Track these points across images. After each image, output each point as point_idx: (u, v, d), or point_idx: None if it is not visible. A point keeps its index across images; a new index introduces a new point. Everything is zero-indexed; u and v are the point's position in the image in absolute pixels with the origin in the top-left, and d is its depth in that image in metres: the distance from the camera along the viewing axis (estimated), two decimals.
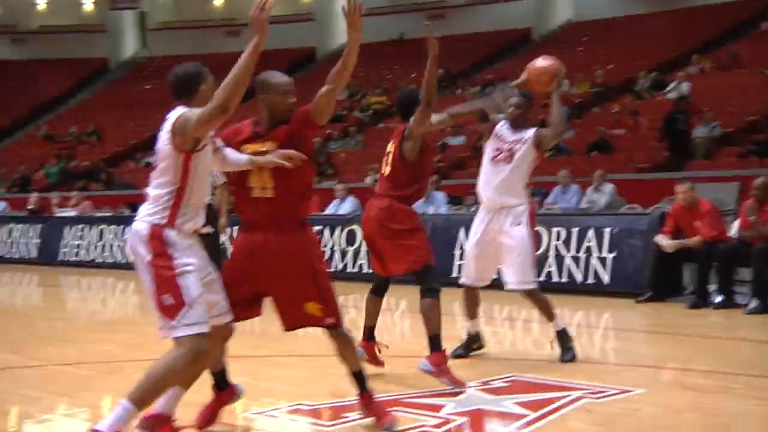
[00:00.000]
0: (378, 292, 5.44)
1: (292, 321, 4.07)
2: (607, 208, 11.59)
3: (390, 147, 5.25)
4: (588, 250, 9.27)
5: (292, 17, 29.39)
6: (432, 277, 5.05)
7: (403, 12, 28.66)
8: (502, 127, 5.78)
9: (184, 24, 31.57)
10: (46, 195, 18.01)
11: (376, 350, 5.38)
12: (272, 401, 4.72)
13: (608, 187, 12.05)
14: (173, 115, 3.64)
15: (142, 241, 3.69)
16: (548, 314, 5.79)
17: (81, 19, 32.18)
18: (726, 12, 22.18)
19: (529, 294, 5.78)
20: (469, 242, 5.89)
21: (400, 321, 8.21)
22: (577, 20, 25.99)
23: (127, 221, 14.41)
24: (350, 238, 11.32)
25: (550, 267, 9.41)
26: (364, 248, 10.74)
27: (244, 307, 4.03)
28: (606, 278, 9.13)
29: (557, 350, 5.77)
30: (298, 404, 4.64)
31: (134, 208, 16.20)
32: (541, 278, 8.91)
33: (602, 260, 9.18)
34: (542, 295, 5.82)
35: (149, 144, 24.52)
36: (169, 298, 3.63)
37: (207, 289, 3.76)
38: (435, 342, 4.97)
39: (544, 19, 26.25)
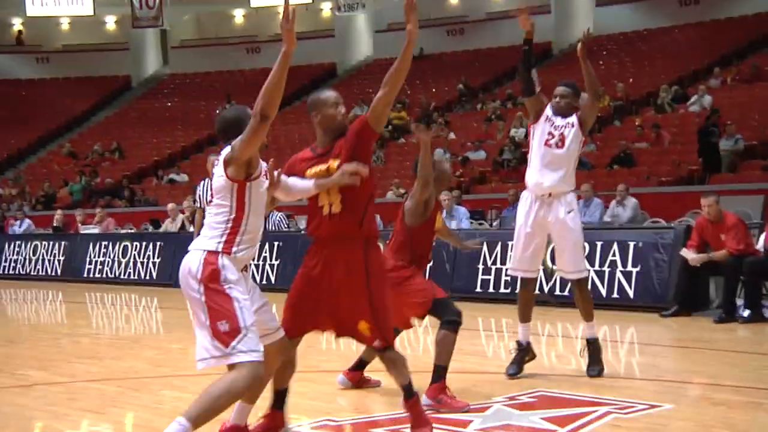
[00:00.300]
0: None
1: (343, 331, 4.22)
2: (629, 222, 11.52)
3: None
4: (612, 264, 9.22)
5: (313, 33, 29.59)
6: (448, 308, 5.01)
7: (422, 27, 28.55)
8: (551, 112, 5.71)
9: (205, 42, 31.91)
10: (70, 212, 18.19)
11: (361, 378, 5.38)
12: (297, 417, 4.71)
13: (631, 201, 11.99)
14: (223, 152, 3.81)
15: (195, 267, 3.76)
16: (590, 311, 5.67)
17: (104, 37, 32.63)
18: (747, 25, 22.11)
19: (581, 283, 5.69)
20: (518, 230, 5.73)
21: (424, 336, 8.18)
22: (597, 34, 25.95)
23: (150, 238, 14.68)
24: None
25: None
26: None
27: (309, 320, 4.17)
28: (631, 292, 9.07)
29: (584, 364, 5.71)
30: (324, 420, 4.65)
31: (157, 225, 16.35)
32: (566, 293, 8.88)
33: (627, 274, 9.11)
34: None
35: (172, 160, 24.94)
36: (224, 324, 3.68)
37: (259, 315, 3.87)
38: (439, 372, 4.92)
39: (565, 32, 26.25)
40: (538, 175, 5.65)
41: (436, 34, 28.18)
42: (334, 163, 4.07)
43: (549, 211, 5.62)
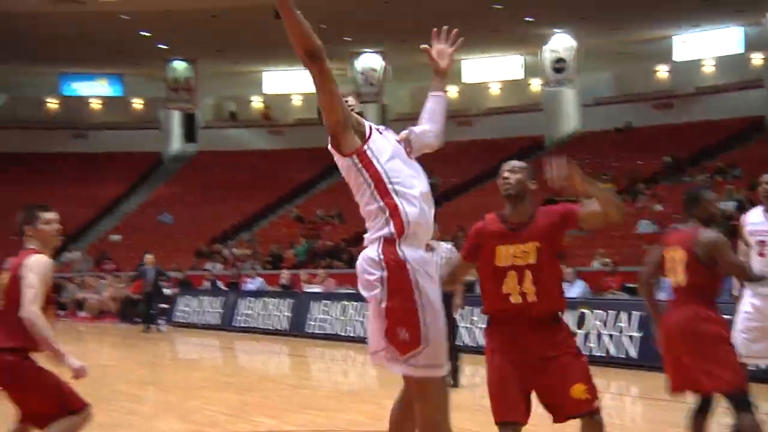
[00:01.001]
0: (701, 410, 4.69)
1: (562, 410, 3.83)
2: None
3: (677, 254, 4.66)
4: None
5: (522, 107, 30.63)
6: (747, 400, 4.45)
7: (630, 102, 28.94)
8: (755, 217, 5.41)
9: (418, 114, 33.66)
10: (295, 272, 19.84)
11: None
12: None
13: None
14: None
15: (374, 261, 3.32)
16: None
17: None
18: None
19: None
20: (741, 322, 5.38)
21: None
22: None
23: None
24: (580, 322, 10.91)
25: None
26: (593, 332, 10.73)
27: (519, 407, 3.84)
28: None
29: None
30: None
31: None
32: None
33: None
34: None
35: None
36: (405, 333, 3.28)
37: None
38: None
39: None
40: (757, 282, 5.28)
41: (644, 108, 28.27)
42: (531, 246, 3.77)
43: None
